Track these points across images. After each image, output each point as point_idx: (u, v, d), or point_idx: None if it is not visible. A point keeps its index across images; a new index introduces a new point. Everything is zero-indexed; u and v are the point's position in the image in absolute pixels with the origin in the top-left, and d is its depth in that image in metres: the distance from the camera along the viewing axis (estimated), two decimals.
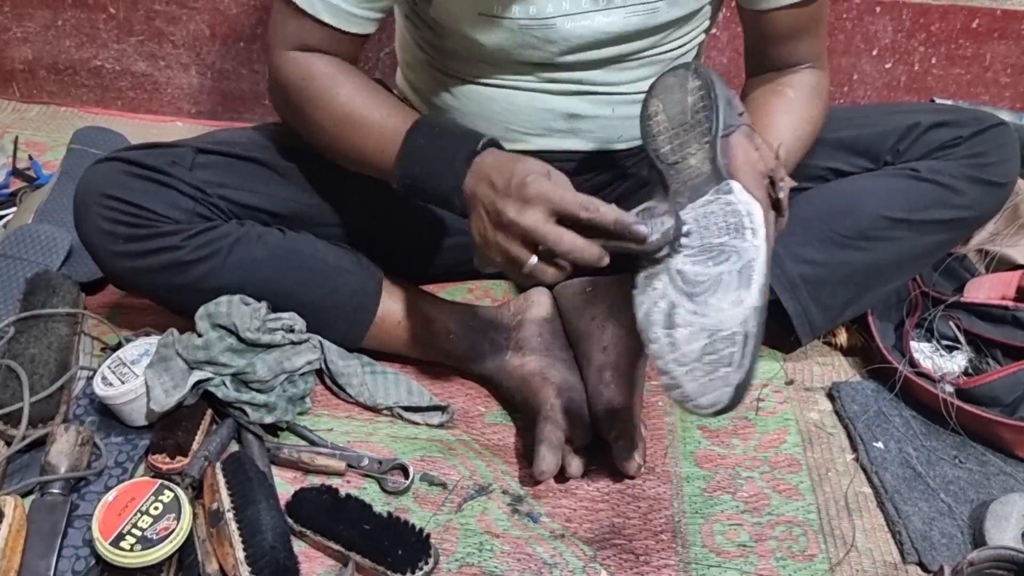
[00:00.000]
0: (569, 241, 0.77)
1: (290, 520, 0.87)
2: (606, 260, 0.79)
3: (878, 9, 1.49)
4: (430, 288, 1.13)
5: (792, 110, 1.00)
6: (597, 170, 1.11)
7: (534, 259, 0.79)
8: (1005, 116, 1.37)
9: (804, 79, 1.02)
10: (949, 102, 1.50)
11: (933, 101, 1.52)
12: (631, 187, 1.12)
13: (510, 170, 0.81)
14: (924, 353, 1.10)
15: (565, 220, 0.78)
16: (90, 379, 1.00)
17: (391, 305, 1.05)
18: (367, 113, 0.92)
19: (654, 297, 0.81)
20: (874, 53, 1.53)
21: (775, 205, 0.86)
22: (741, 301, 0.77)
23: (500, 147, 0.88)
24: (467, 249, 1.12)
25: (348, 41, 0.95)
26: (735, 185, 0.83)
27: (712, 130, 0.86)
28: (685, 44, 1.04)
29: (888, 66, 1.54)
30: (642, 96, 1.03)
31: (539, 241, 0.78)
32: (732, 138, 0.86)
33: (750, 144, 0.87)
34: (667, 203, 0.84)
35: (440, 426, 1.03)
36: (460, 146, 0.86)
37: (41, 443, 0.92)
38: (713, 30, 1.08)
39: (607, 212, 0.78)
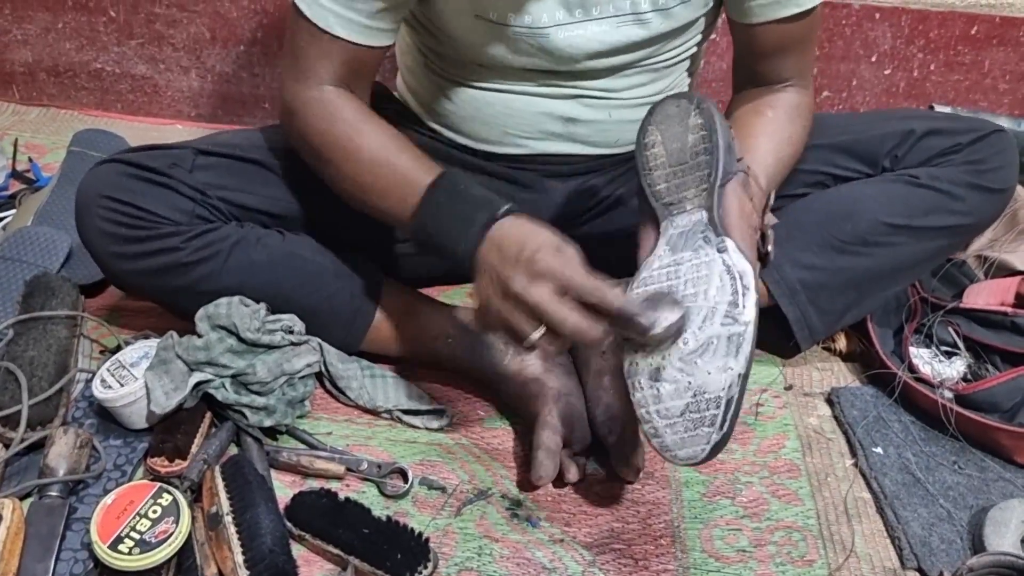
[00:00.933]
0: (573, 323, 0.77)
1: (289, 524, 0.87)
2: (609, 339, 0.80)
3: (877, 15, 1.49)
4: (429, 292, 1.13)
5: (774, 132, 1.00)
6: (593, 173, 1.11)
7: (537, 333, 0.79)
8: (1003, 122, 1.37)
9: (786, 99, 1.02)
10: (948, 108, 1.50)
11: (932, 107, 1.53)
12: (627, 192, 1.12)
13: (522, 242, 0.81)
14: (923, 359, 1.10)
15: (573, 296, 0.79)
16: (89, 382, 1.00)
17: (389, 308, 1.05)
18: (391, 164, 0.91)
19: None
20: (873, 59, 1.53)
21: (761, 258, 0.87)
22: (728, 368, 0.78)
23: (521, 212, 0.86)
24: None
25: (367, 54, 0.94)
26: (729, 244, 0.83)
27: (711, 177, 0.85)
28: (681, 53, 1.04)
29: (887, 72, 1.55)
30: (639, 101, 1.04)
31: (543, 319, 0.78)
32: (728, 186, 0.86)
33: (745, 195, 0.87)
34: (671, 299, 0.81)
35: (439, 430, 1.03)
36: (480, 211, 0.85)
37: (40, 446, 0.92)
38: (713, 35, 1.08)
39: (612, 300, 0.77)
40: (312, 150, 0.96)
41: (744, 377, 0.79)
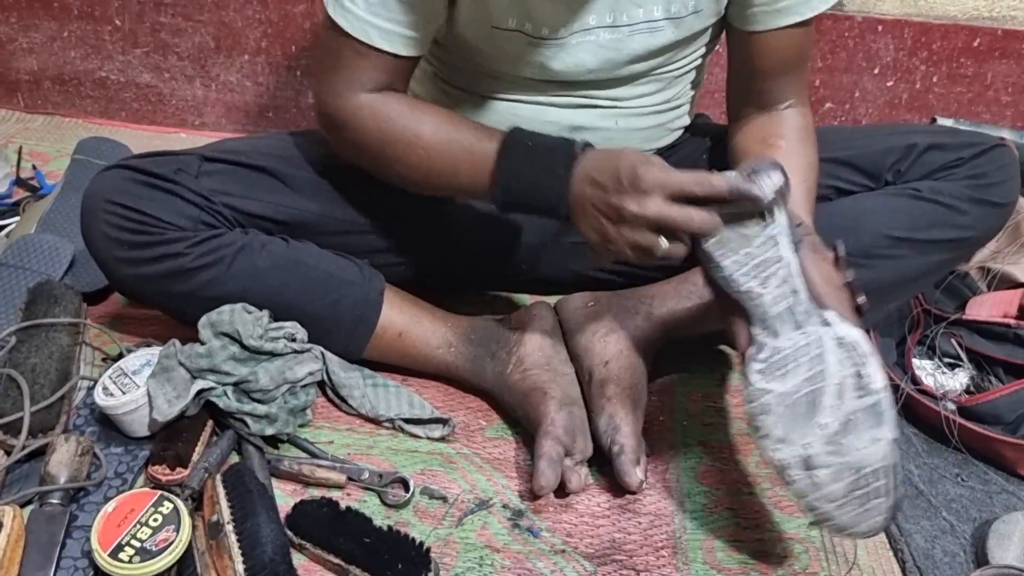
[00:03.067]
0: (699, 219, 0.81)
1: (290, 533, 0.86)
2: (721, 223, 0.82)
3: (880, 27, 1.50)
4: (432, 300, 1.13)
5: (796, 164, 0.97)
6: None
7: (664, 243, 0.82)
8: (1006, 135, 1.38)
9: (792, 123, 1.02)
10: (950, 121, 1.51)
11: (934, 119, 1.53)
12: None
13: (615, 168, 0.83)
14: (926, 370, 1.10)
15: (679, 198, 0.81)
16: (91, 389, 1.00)
17: (392, 316, 1.05)
18: (453, 143, 0.94)
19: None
20: (876, 71, 1.54)
21: (857, 311, 0.85)
22: (878, 439, 0.78)
23: (589, 146, 0.90)
24: (470, 261, 1.14)
25: (407, 62, 0.96)
26: (831, 316, 0.81)
27: (787, 253, 0.82)
28: (689, 63, 1.05)
29: (890, 84, 1.55)
30: (646, 110, 1.05)
31: (668, 226, 0.81)
32: (802, 255, 0.83)
33: (819, 257, 0.85)
34: (767, 159, 0.82)
35: (441, 439, 1.02)
36: (557, 156, 0.88)
37: (41, 453, 0.91)
38: (716, 47, 1.08)
39: (719, 183, 0.81)
40: (372, 153, 0.97)
41: (897, 441, 0.78)
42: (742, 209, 0.81)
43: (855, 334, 0.80)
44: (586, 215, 0.86)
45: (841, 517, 0.79)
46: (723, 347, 1.17)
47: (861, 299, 0.85)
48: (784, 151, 0.99)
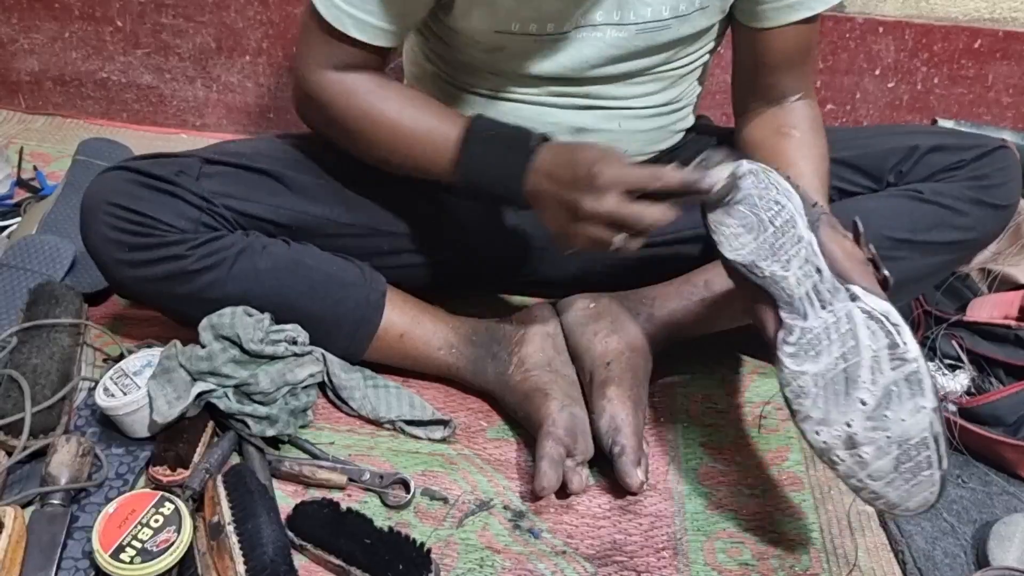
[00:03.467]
0: (649, 216, 0.83)
1: (291, 534, 0.87)
2: (678, 214, 0.84)
3: (881, 29, 1.50)
4: (433, 302, 1.13)
5: (809, 153, 1.00)
6: None
7: (619, 237, 0.84)
8: (1007, 136, 1.38)
9: (802, 113, 1.03)
10: (951, 122, 1.51)
11: (935, 121, 1.53)
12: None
13: (572, 161, 0.86)
14: None
15: (635, 193, 0.83)
16: (92, 390, 1.00)
17: (393, 318, 1.05)
18: (417, 124, 0.95)
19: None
20: (876, 72, 1.54)
21: (883, 284, 0.85)
22: (921, 407, 0.77)
23: (549, 138, 0.91)
24: (471, 262, 1.14)
25: (375, 54, 0.97)
26: (857, 290, 0.81)
27: (804, 232, 0.83)
28: (693, 62, 1.05)
29: (890, 85, 1.55)
30: (649, 111, 1.05)
31: (621, 223, 0.83)
32: (821, 234, 0.84)
33: (838, 234, 0.85)
34: (723, 151, 0.84)
35: (442, 440, 1.02)
36: (515, 148, 0.90)
37: (42, 454, 0.91)
38: (720, 48, 1.08)
39: (671, 176, 0.83)
40: (338, 127, 0.99)
41: (938, 409, 0.77)
42: (695, 200, 0.84)
43: (884, 305, 0.80)
44: (545, 207, 0.88)
45: (891, 494, 0.79)
46: (724, 348, 1.16)
47: (886, 272, 0.85)
48: (799, 140, 1.01)
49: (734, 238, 0.85)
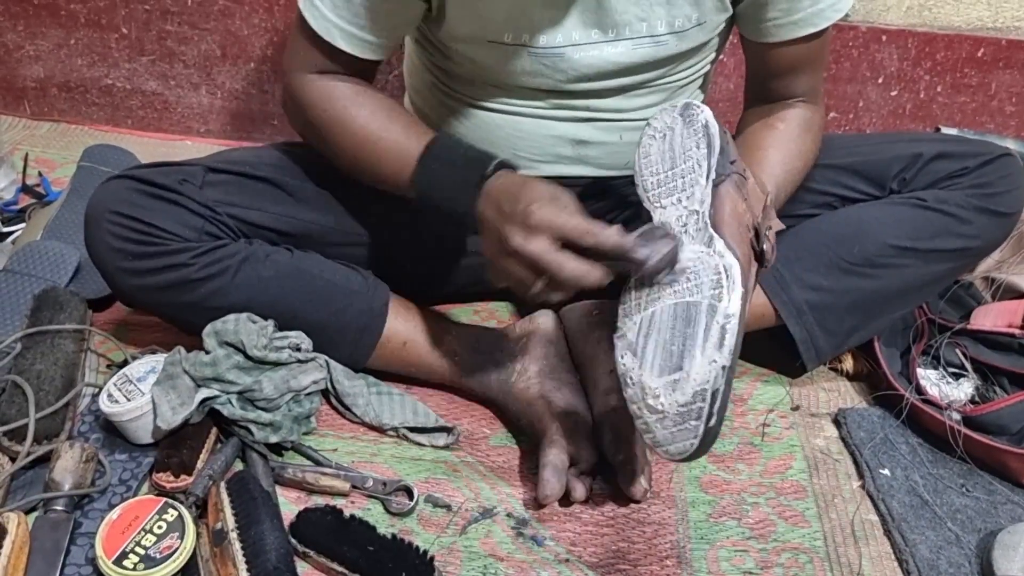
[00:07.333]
0: (570, 269, 0.80)
1: (294, 540, 0.86)
2: (607, 281, 0.82)
3: (884, 37, 1.50)
4: (436, 309, 1.13)
5: (783, 144, 1.01)
6: (601, 197, 1.11)
7: (539, 284, 0.82)
8: (1010, 144, 1.38)
9: (797, 113, 1.04)
10: (954, 130, 1.51)
11: (938, 129, 1.53)
12: (634, 213, 1.12)
13: (516, 196, 0.83)
14: (931, 380, 1.10)
15: (570, 243, 0.81)
16: (96, 396, 1.00)
17: (397, 326, 1.05)
18: (383, 136, 0.95)
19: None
20: (880, 81, 1.54)
21: (758, 257, 0.88)
22: (713, 360, 0.79)
23: (512, 167, 0.90)
24: (474, 271, 1.14)
25: (364, 65, 0.98)
26: (717, 241, 0.84)
27: (704, 179, 0.87)
28: (693, 73, 1.05)
29: (894, 94, 1.55)
30: None
31: (543, 269, 0.81)
32: (721, 188, 0.87)
33: (738, 195, 0.88)
34: (663, 232, 0.85)
35: (445, 448, 1.02)
36: (471, 171, 0.89)
37: (45, 459, 0.91)
38: (721, 57, 1.09)
39: (607, 238, 0.81)
40: (312, 130, 1.00)
41: (729, 370, 0.79)
42: (627, 270, 0.84)
43: (731, 261, 0.83)
44: (486, 235, 0.87)
45: (659, 431, 0.80)
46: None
47: (766, 246, 0.88)
48: (780, 132, 1.02)
49: (647, 158, 0.91)
